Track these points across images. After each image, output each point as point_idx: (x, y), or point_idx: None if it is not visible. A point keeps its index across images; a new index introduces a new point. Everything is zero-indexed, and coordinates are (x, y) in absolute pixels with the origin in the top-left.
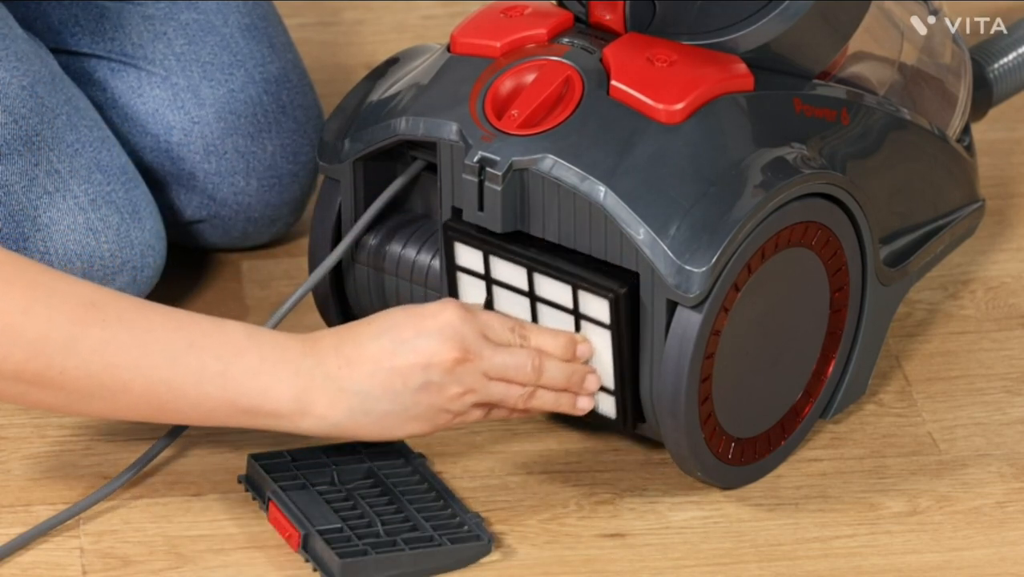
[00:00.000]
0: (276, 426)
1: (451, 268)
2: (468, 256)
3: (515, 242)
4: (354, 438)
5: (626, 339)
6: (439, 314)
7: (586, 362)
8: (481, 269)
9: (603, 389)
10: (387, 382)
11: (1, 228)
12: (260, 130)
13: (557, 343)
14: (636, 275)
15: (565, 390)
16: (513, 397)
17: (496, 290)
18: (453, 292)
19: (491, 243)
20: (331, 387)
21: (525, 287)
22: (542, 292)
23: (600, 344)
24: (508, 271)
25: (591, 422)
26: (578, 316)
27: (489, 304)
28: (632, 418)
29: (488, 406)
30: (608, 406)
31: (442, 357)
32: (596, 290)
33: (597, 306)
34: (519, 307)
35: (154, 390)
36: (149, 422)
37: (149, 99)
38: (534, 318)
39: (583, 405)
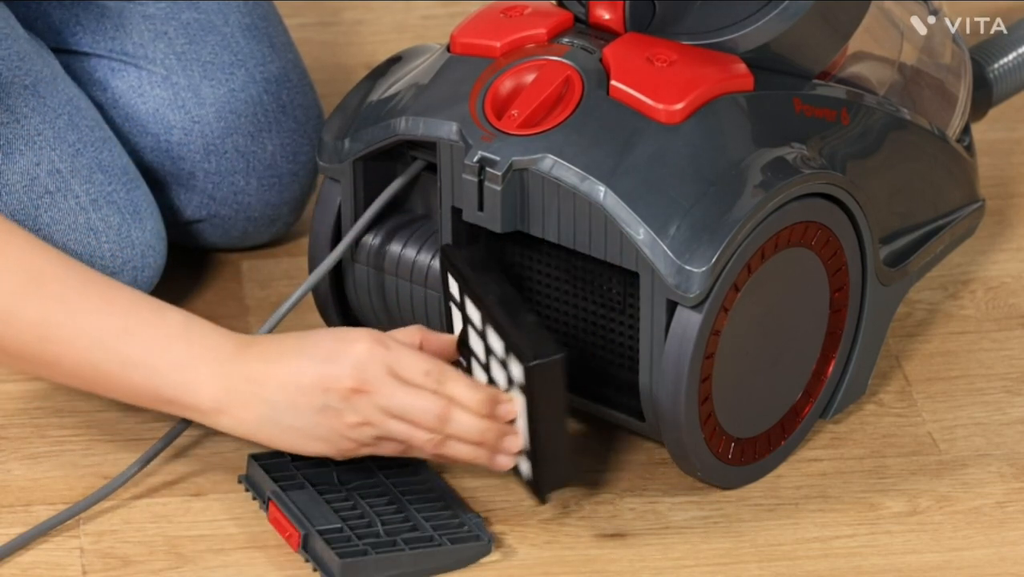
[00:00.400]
0: (197, 420)
1: (446, 295)
2: (454, 286)
3: (484, 282)
4: (269, 446)
5: (541, 409)
6: (354, 343)
7: (511, 423)
8: (459, 300)
9: (523, 451)
10: (292, 398)
11: None
12: (260, 129)
13: (473, 397)
14: (566, 348)
15: (481, 444)
16: (419, 440)
17: (468, 327)
18: (448, 316)
19: (464, 277)
20: (246, 392)
21: (481, 330)
22: (490, 341)
23: (520, 407)
24: (473, 312)
25: (609, 411)
26: (509, 374)
27: (463, 338)
28: (544, 490)
29: (401, 443)
30: (527, 469)
31: (339, 384)
32: (517, 353)
33: (517, 369)
34: (479, 348)
35: (82, 369)
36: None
37: (150, 98)
38: (487, 364)
39: (501, 463)
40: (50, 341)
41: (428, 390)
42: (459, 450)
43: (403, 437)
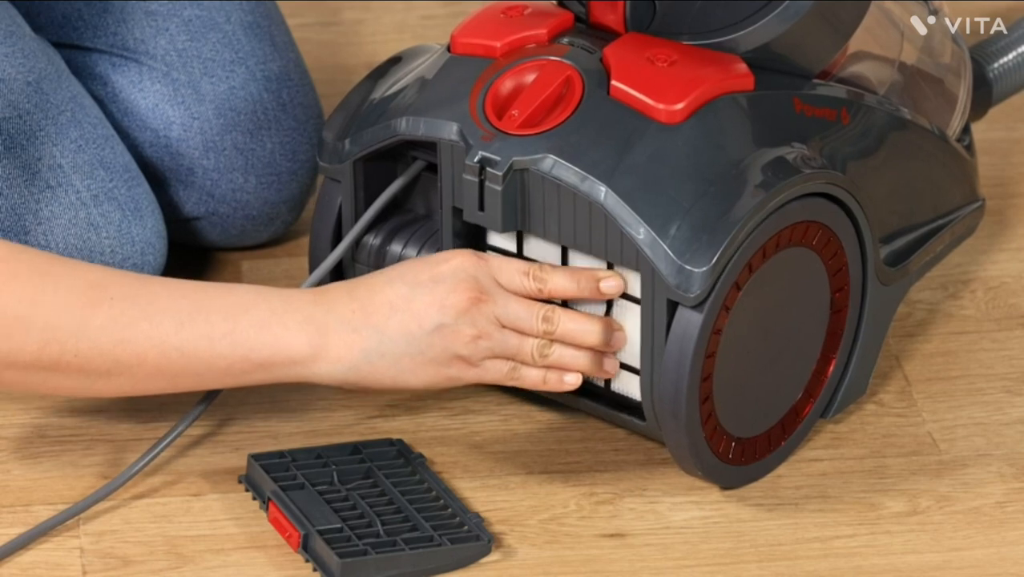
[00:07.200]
0: (293, 375)
1: (481, 248)
2: (498, 237)
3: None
4: (369, 385)
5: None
6: (451, 259)
7: (609, 309)
8: (514, 249)
9: (630, 369)
10: (403, 324)
11: (3, 221)
12: (260, 127)
13: (574, 280)
14: None
15: (585, 350)
16: (528, 349)
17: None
18: None
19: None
20: (345, 329)
21: (559, 263)
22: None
23: (630, 322)
24: (542, 249)
25: (609, 411)
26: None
27: None
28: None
29: (506, 361)
30: (634, 387)
31: (455, 298)
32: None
33: (630, 281)
34: None
35: (168, 357)
36: (170, 393)
37: (150, 94)
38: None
39: (609, 367)
40: (129, 340)
41: (534, 289)
42: (563, 356)
43: (515, 349)
